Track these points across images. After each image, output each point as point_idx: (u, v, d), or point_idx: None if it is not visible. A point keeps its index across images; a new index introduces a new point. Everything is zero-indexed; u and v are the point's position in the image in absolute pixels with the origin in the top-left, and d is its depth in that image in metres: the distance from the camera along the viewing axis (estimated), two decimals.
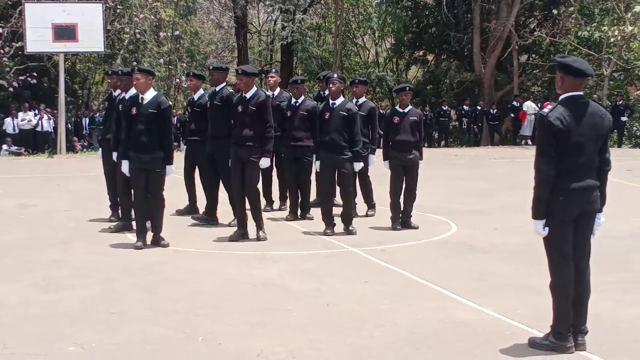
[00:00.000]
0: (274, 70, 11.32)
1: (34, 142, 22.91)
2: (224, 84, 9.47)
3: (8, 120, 23.25)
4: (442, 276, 6.90)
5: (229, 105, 8.82)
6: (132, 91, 8.41)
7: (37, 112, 23.28)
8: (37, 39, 20.86)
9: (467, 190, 13.50)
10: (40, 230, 9.11)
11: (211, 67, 9.83)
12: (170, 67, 26.65)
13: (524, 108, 26.08)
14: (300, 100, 10.06)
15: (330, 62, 31.12)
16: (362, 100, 10.42)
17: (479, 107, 27.42)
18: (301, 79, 10.73)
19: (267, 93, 9.31)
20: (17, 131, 23.13)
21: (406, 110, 9.46)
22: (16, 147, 22.56)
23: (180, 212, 10.10)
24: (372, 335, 5.20)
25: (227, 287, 6.55)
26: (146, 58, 26.70)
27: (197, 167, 9.90)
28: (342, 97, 9.17)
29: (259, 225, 8.56)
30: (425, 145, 26.57)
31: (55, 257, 7.69)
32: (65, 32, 20.89)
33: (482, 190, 13.44)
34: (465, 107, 27.40)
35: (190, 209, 10.10)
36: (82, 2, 22.58)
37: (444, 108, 27.43)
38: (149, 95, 8.04)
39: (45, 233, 8.97)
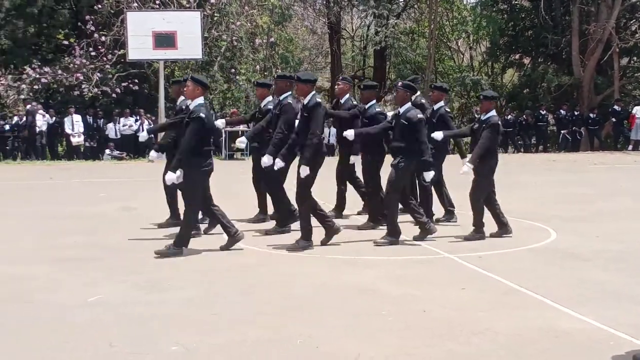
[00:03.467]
0: (341, 77, 11.31)
1: (135, 147, 23.62)
2: (289, 92, 9.44)
3: (110, 125, 24.05)
4: (541, 284, 6.75)
5: (283, 114, 8.96)
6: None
7: (138, 117, 24.01)
8: (139, 46, 21.53)
9: (566, 196, 13.17)
10: (142, 232, 9.38)
11: (275, 76, 9.96)
12: (265, 73, 27.01)
13: (634, 112, 25.28)
14: (367, 106, 9.97)
15: (423, 66, 30.94)
16: (437, 105, 10.14)
17: (577, 112, 26.75)
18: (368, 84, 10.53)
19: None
20: (119, 136, 23.91)
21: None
22: (118, 152, 23.33)
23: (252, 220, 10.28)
24: (470, 343, 5.14)
25: (322, 291, 6.59)
26: (242, 65, 27.17)
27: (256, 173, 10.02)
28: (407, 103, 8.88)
29: (301, 234, 8.51)
30: (522, 150, 26.18)
31: (156, 259, 7.91)
32: (165, 40, 21.50)
33: (581, 196, 13.08)
34: (562, 111, 26.78)
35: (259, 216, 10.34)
36: (181, 10, 23.18)
37: (542, 112, 26.85)
38: (193, 104, 8.14)
39: (147, 235, 9.24)
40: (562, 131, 26.67)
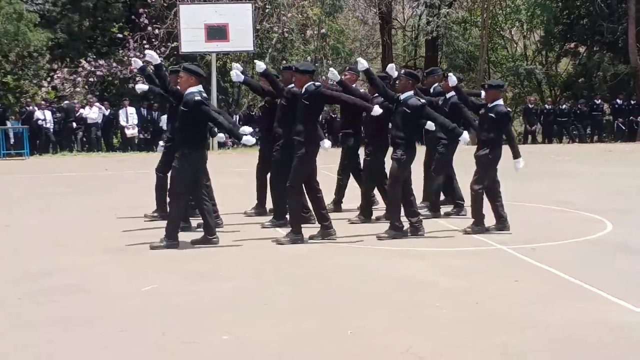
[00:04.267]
0: (348, 68, 11.14)
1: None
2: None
3: (164, 117, 24.28)
4: (597, 276, 6.62)
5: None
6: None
7: None
8: (191, 39, 21.71)
9: (622, 188, 12.89)
10: (195, 223, 9.44)
11: (282, 67, 9.78)
12: (316, 64, 27.02)
13: None
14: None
15: (476, 55, 30.58)
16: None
17: (634, 101, 26.17)
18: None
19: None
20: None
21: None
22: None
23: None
24: (524, 336, 5.07)
25: (374, 282, 6.57)
26: (293, 56, 27.22)
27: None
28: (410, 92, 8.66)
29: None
30: (577, 140, 25.70)
31: (208, 248, 7.99)
32: (217, 32, 21.64)
33: (638, 188, 12.79)
34: (618, 100, 26.23)
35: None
36: (233, 2, 23.30)
37: (597, 102, 26.35)
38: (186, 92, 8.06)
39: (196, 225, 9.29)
40: (618, 120, 26.14)
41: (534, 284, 6.44)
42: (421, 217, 8.82)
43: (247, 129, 7.95)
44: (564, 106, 26.47)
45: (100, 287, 6.46)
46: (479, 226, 8.70)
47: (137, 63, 9.13)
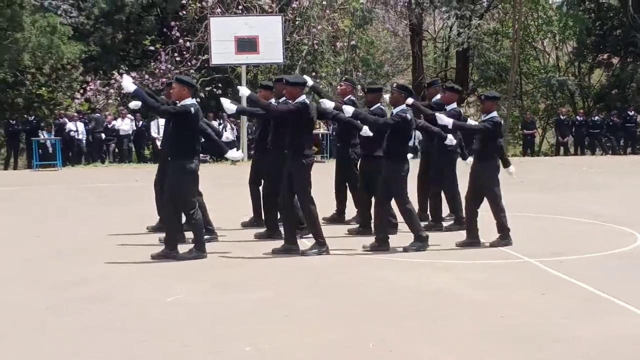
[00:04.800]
0: (344, 78, 11.11)
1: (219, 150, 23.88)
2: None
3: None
4: (626, 290, 6.50)
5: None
6: None
7: (221, 121, 24.35)
8: (222, 51, 21.83)
9: None
10: (220, 233, 9.45)
11: (274, 80, 9.57)
12: (346, 76, 27.03)
13: None
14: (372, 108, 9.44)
15: (507, 67, 30.38)
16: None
17: None
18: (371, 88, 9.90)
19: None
20: (202, 140, 24.26)
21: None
22: (202, 155, 23.68)
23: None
24: (551, 350, 4.99)
25: (397, 294, 6.52)
26: (323, 68, 27.26)
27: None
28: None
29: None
30: (610, 152, 25.38)
31: (233, 259, 8.00)
32: (247, 45, 21.73)
33: None
34: None
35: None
36: (263, 15, 23.42)
37: (630, 113, 26.02)
38: (180, 104, 8.06)
39: (224, 236, 9.31)
40: None
41: (561, 298, 6.35)
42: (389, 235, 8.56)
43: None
44: (596, 118, 26.18)
45: (125, 297, 6.49)
46: (472, 240, 8.57)
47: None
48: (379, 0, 29.90)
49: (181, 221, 8.24)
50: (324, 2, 25.84)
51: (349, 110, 8.41)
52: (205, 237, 8.40)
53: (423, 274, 7.30)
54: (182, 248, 8.13)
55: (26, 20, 23.76)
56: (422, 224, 9.29)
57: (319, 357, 4.92)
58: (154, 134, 23.65)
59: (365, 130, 8.67)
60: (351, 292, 6.64)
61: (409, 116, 8.37)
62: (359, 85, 24.32)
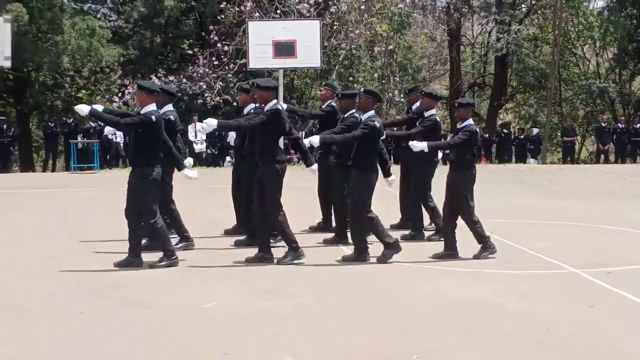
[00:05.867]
0: (324, 83, 10.86)
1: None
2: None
3: (232, 133, 24.47)
4: None
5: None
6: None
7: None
8: (259, 55, 21.75)
9: None
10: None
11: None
12: (383, 81, 26.90)
13: None
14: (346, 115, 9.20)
15: (547, 73, 30.01)
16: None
17: None
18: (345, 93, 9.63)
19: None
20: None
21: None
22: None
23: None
24: None
25: (439, 303, 6.37)
26: (360, 73, 27.14)
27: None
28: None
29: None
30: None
31: (268, 265, 7.90)
32: (284, 49, 21.65)
33: None
34: None
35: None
36: (301, 19, 23.38)
37: None
38: (143, 111, 7.80)
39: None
40: None
41: (610, 310, 6.15)
42: (368, 244, 8.23)
43: (188, 165, 8.43)
44: (638, 125, 25.70)
45: (162, 302, 6.42)
46: (450, 252, 8.29)
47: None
48: (417, 5, 29.70)
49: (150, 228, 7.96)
50: (362, 7, 25.74)
51: (315, 141, 8.12)
52: (181, 244, 8.50)
53: (464, 283, 7.14)
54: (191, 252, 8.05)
55: (66, 23, 24.00)
56: (404, 232, 9.29)
57: None
58: (191, 137, 23.74)
59: (314, 142, 8.16)
60: (391, 300, 6.50)
61: (377, 124, 8.13)
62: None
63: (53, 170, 23.49)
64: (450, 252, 8.28)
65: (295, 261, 7.95)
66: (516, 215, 11.38)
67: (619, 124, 26.50)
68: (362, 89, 9.00)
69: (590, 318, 5.94)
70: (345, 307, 6.25)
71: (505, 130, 27.38)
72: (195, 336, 5.43)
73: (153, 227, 7.85)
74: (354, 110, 8.96)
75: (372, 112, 8.22)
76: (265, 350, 5.10)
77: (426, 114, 9.41)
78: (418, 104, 9.90)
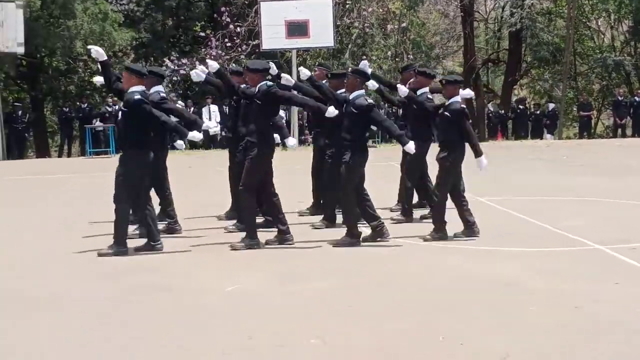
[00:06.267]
0: (317, 64, 10.58)
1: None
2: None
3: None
4: None
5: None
6: None
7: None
8: (272, 36, 21.67)
9: None
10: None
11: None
12: (397, 59, 26.70)
13: None
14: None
15: (561, 47, 29.70)
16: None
17: None
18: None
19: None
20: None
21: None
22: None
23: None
24: (630, 342, 4.74)
25: (462, 283, 6.31)
26: (373, 51, 26.93)
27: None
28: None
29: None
30: None
31: (294, 249, 7.86)
32: (297, 29, 21.55)
33: None
34: None
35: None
36: None
37: None
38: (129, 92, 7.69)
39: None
40: None
41: (636, 287, 6.07)
42: (382, 220, 8.15)
43: (196, 134, 7.94)
44: None
45: (184, 286, 6.38)
46: (439, 233, 8.12)
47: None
48: None
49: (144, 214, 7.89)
50: None
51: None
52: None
53: (488, 262, 7.06)
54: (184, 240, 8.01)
55: (78, 8, 23.90)
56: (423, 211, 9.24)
57: (387, 349, 4.73)
58: (205, 120, 23.67)
59: (330, 112, 7.93)
60: (414, 281, 6.44)
61: (371, 101, 8.06)
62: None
63: (69, 155, 23.51)
64: (442, 234, 8.08)
65: (249, 248, 7.77)
66: (537, 193, 11.24)
67: (635, 98, 26.22)
68: (350, 69, 8.80)
69: (618, 295, 5.86)
70: (369, 289, 6.20)
71: (521, 106, 27.14)
72: (218, 320, 5.39)
73: (139, 211, 7.84)
74: (342, 90, 8.66)
75: (361, 91, 8.10)
76: (291, 334, 5.05)
77: (419, 92, 9.20)
78: (412, 82, 9.63)
